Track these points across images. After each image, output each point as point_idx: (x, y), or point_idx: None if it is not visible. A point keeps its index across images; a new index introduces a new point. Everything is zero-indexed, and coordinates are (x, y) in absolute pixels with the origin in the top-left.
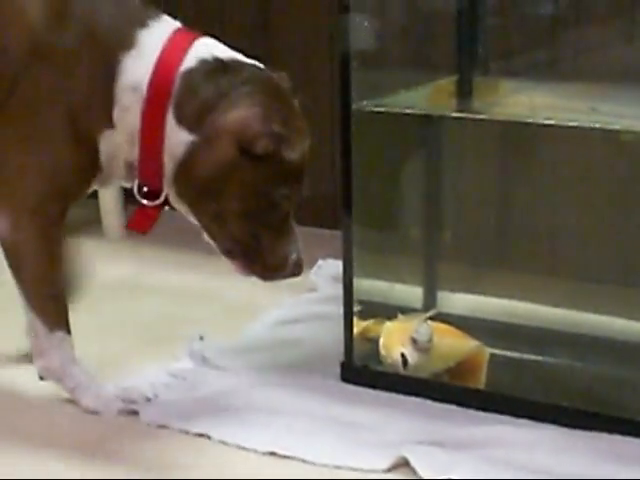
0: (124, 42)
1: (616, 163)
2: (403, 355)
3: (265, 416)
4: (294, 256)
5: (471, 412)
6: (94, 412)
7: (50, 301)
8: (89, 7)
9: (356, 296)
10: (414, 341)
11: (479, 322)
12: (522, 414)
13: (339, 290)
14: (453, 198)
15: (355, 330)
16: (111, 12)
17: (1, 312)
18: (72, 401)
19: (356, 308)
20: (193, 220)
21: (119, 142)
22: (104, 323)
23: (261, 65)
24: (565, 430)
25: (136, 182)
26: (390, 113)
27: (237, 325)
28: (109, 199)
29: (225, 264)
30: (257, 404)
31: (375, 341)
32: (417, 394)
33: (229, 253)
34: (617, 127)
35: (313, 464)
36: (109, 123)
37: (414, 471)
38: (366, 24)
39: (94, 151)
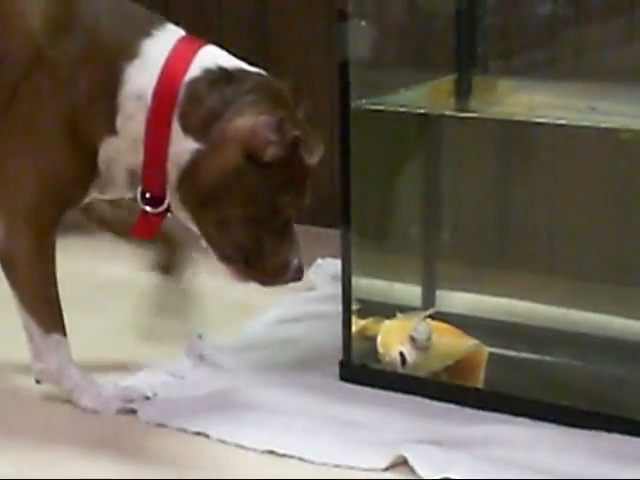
0: (127, 51)
1: (615, 162)
2: (402, 354)
3: (263, 415)
4: (295, 261)
5: (469, 411)
6: (93, 412)
7: (45, 304)
8: (92, 16)
9: (355, 295)
10: (413, 340)
11: (478, 321)
12: (521, 413)
13: (338, 289)
14: (452, 197)
15: (354, 329)
16: (115, 21)
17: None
18: (71, 401)
19: (355, 307)
20: (192, 227)
21: (121, 149)
22: (104, 322)
23: (265, 73)
24: (564, 429)
25: (139, 189)
26: (389, 112)
27: (235, 324)
28: None
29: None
30: (256, 403)
31: (374, 340)
32: (416, 393)
33: (228, 259)
34: (616, 126)
35: (311, 463)
36: (111, 130)
37: (412, 470)
38: (364, 23)
39: (92, 157)
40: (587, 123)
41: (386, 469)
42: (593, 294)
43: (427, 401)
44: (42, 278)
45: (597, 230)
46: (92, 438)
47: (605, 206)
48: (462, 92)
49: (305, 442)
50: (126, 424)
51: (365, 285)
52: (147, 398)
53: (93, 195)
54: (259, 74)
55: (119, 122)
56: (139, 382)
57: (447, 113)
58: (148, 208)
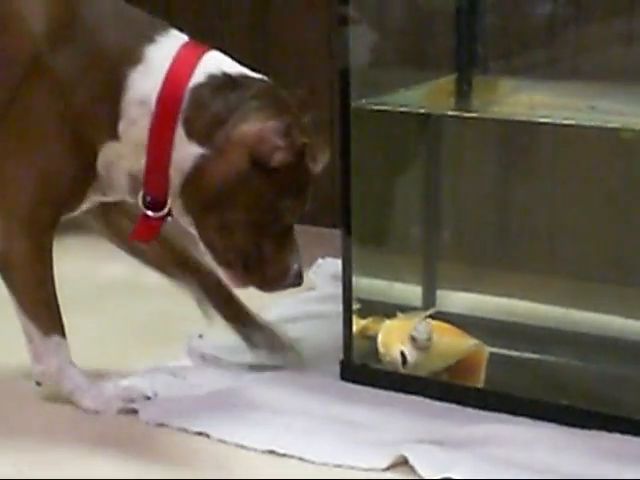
0: (131, 57)
1: (615, 161)
2: (403, 353)
3: (264, 415)
4: (295, 266)
5: (470, 411)
6: (94, 412)
7: (44, 306)
8: (95, 20)
9: (355, 294)
10: (413, 339)
11: (478, 321)
12: (521, 413)
13: (338, 289)
14: (452, 197)
15: (354, 329)
16: (117, 26)
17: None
18: (72, 402)
19: (355, 307)
20: (193, 231)
21: (122, 154)
22: (104, 322)
23: (268, 79)
24: (565, 429)
25: (141, 193)
26: (389, 112)
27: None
28: None
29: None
30: (256, 403)
31: (374, 339)
32: (416, 393)
33: (227, 264)
34: (616, 125)
35: (312, 463)
36: (113, 135)
37: (413, 470)
38: (364, 23)
39: (91, 161)
40: (587, 123)
41: (387, 469)
42: (593, 294)
43: (428, 401)
44: (40, 280)
45: (597, 230)
46: (92, 438)
47: (605, 206)
48: (462, 92)
49: (306, 442)
50: (127, 424)
51: (366, 285)
52: (148, 398)
53: (94, 198)
54: (263, 80)
55: (121, 127)
56: (140, 382)
57: (447, 113)
58: (150, 212)
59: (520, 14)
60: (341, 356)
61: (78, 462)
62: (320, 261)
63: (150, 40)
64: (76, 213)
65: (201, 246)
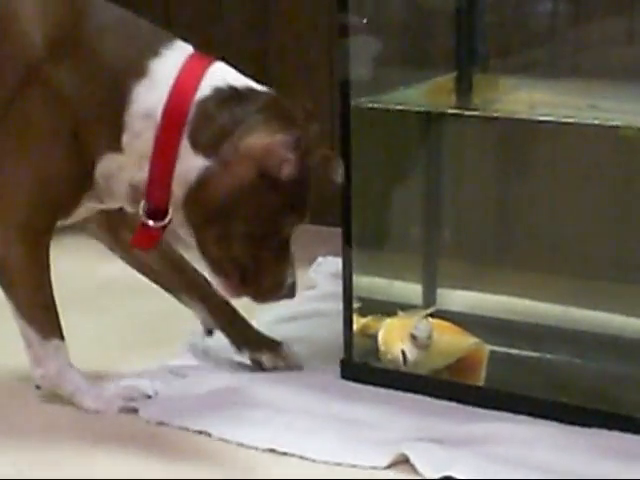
0: (135, 71)
1: (615, 160)
2: (403, 352)
3: (265, 413)
4: (290, 280)
5: (471, 409)
6: (96, 412)
7: (42, 310)
8: (98, 32)
9: (356, 293)
10: (414, 338)
11: (479, 319)
12: (522, 411)
13: (339, 287)
14: (452, 195)
15: (355, 327)
16: (121, 38)
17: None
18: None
19: (356, 305)
20: (190, 240)
21: (124, 165)
22: (103, 322)
23: (274, 92)
24: (565, 427)
25: (142, 203)
26: (389, 110)
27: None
28: None
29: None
30: (257, 401)
31: (375, 338)
32: (417, 391)
33: (224, 274)
34: (616, 123)
35: (313, 461)
36: (115, 147)
37: (414, 468)
38: (365, 21)
39: (88, 170)
40: (587, 121)
41: (387, 467)
42: (594, 292)
43: (428, 399)
44: (38, 285)
45: (597, 228)
46: (92, 437)
47: (605, 204)
48: (462, 90)
49: (306, 440)
50: (127, 423)
51: (366, 283)
52: (148, 397)
53: (90, 205)
54: (268, 93)
55: (125, 139)
56: (140, 381)
57: (447, 111)
58: (151, 222)
59: (520, 12)
60: (341, 354)
61: (78, 462)
62: (320, 260)
63: (155, 53)
64: (73, 220)
65: (197, 254)
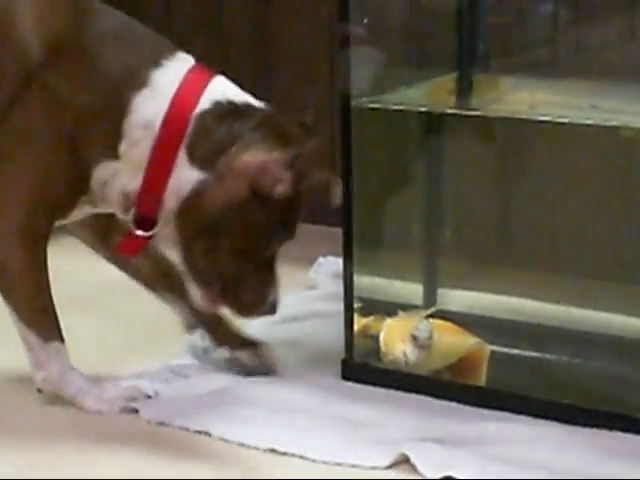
0: (136, 80)
1: (616, 160)
2: (405, 353)
3: (265, 413)
4: (272, 297)
5: (471, 409)
6: (97, 413)
7: (42, 313)
8: (99, 39)
9: (356, 293)
10: (414, 338)
11: (479, 319)
12: (522, 411)
13: (339, 287)
14: (453, 195)
15: (355, 327)
16: (123, 46)
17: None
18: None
19: (356, 305)
20: (176, 251)
21: (119, 173)
22: (104, 322)
23: (271, 109)
24: (566, 427)
25: (132, 211)
26: (390, 110)
27: (237, 323)
28: None
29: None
30: (257, 401)
31: (375, 338)
32: (417, 391)
33: (206, 285)
34: (617, 124)
35: (313, 461)
36: (112, 155)
37: (414, 468)
38: (366, 22)
39: (85, 176)
40: (588, 121)
41: (388, 467)
42: (595, 292)
43: (429, 399)
44: (37, 288)
45: (598, 228)
46: (93, 437)
47: (606, 204)
48: (463, 90)
49: (307, 440)
50: (128, 423)
51: (367, 283)
52: (149, 397)
53: (84, 210)
54: (266, 110)
55: (122, 148)
56: (141, 381)
57: (448, 111)
58: (140, 232)
59: (521, 12)
60: (342, 355)
61: (78, 462)
62: (321, 260)
63: (157, 64)
64: (67, 221)
65: (180, 264)
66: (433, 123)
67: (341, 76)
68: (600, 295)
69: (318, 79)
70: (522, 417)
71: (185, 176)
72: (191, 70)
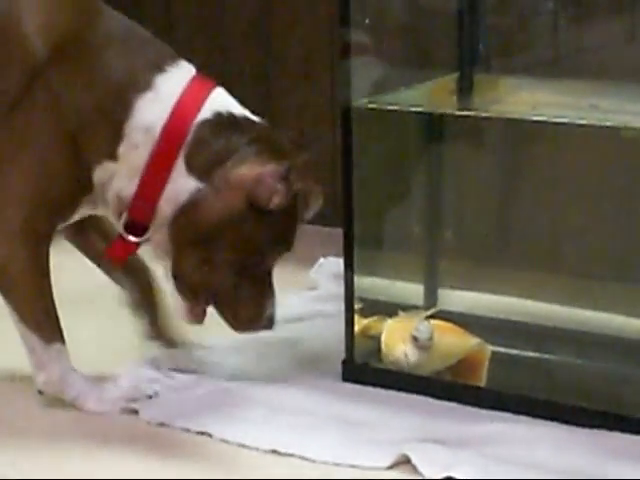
0: (139, 83)
1: (617, 160)
2: (405, 354)
3: (266, 414)
4: (268, 312)
5: (472, 409)
6: (97, 414)
7: (44, 316)
8: (102, 40)
9: (357, 294)
10: (415, 339)
11: (480, 320)
12: (523, 411)
13: (340, 288)
14: (454, 195)
15: (356, 328)
16: (126, 49)
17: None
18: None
19: (357, 306)
20: (166, 260)
21: (116, 175)
22: (104, 322)
23: (266, 123)
24: (566, 427)
25: (124, 216)
26: (391, 111)
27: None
28: None
29: None
30: (258, 402)
31: (376, 339)
32: (418, 392)
33: (192, 298)
34: (618, 124)
35: (314, 462)
36: (111, 156)
37: (415, 469)
38: (367, 22)
39: (87, 175)
40: (589, 121)
41: (389, 468)
42: (595, 292)
43: (430, 400)
44: (39, 291)
45: (599, 228)
46: (93, 438)
47: (607, 204)
48: (464, 90)
49: (308, 441)
50: (128, 424)
51: (367, 284)
52: (149, 397)
53: (85, 211)
54: (262, 124)
55: (121, 150)
56: (141, 381)
57: (449, 111)
58: (131, 237)
59: (522, 12)
60: (343, 355)
61: (78, 462)
62: (322, 260)
63: (160, 69)
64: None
65: (167, 274)
66: (434, 124)
67: (341, 77)
68: (600, 295)
69: (319, 79)
70: (522, 417)
71: (182, 184)
72: (194, 78)
